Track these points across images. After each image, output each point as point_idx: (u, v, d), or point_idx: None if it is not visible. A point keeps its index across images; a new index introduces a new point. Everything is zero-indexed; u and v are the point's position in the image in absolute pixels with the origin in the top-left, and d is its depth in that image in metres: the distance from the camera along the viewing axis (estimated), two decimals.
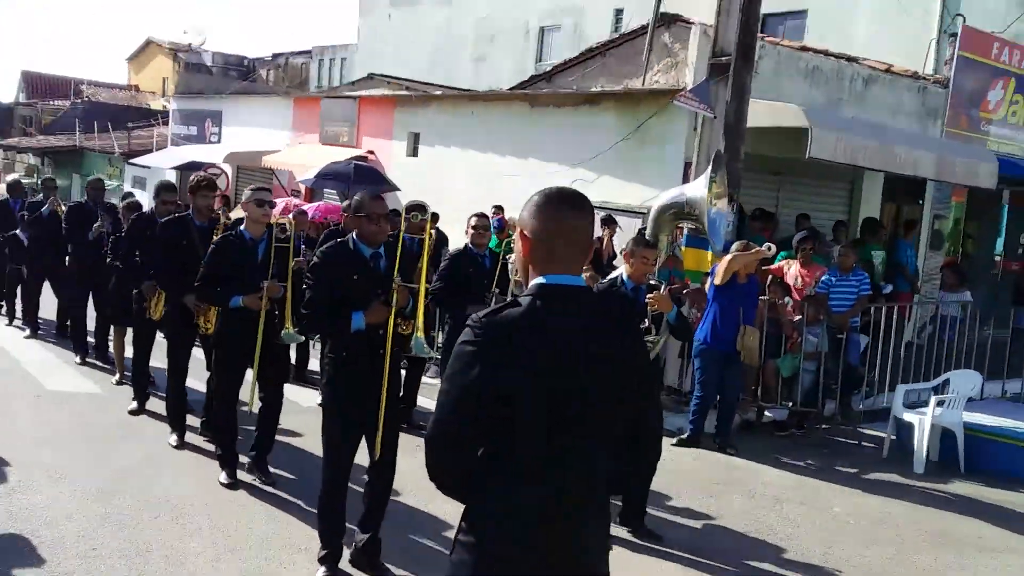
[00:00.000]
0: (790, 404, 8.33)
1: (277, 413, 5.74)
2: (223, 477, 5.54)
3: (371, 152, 15.21)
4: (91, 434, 6.31)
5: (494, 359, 2.16)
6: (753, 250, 7.18)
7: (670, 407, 8.33)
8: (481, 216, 6.65)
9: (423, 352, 5.23)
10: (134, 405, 7.06)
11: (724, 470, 7.00)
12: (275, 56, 35.65)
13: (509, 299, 5.69)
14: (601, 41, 14.66)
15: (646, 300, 5.02)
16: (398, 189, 12.57)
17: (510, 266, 6.43)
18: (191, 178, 7.09)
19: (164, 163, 20.42)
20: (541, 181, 11.89)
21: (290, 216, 8.07)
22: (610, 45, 13.61)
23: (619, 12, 22.23)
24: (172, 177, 18.77)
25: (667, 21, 11.42)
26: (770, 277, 8.51)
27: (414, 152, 14.26)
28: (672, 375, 8.72)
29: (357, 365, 4.29)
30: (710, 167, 5.32)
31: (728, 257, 7.30)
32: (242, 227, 5.57)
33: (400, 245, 4.41)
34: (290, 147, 17.20)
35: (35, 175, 32.89)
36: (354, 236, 4.47)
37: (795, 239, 8.74)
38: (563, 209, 2.32)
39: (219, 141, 20.26)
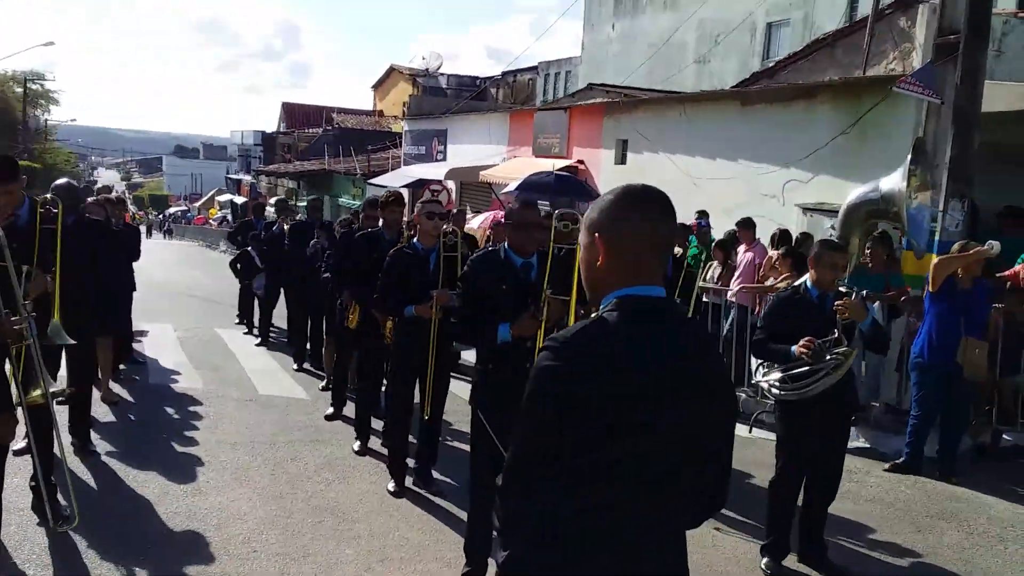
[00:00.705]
0: None
1: (439, 424, 5.77)
2: (391, 485, 5.58)
3: (580, 162, 15.13)
4: (284, 438, 6.61)
5: (576, 384, 1.82)
6: (972, 250, 6.24)
7: (887, 426, 7.46)
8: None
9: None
10: (330, 410, 7.34)
11: (942, 501, 6.10)
12: (504, 74, 36.72)
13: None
14: (829, 32, 13.69)
15: (834, 307, 4.45)
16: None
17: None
18: (382, 194, 7.30)
19: (395, 182, 21.56)
20: (752, 183, 11.25)
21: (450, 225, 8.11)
22: (838, 35, 12.65)
23: (852, 2, 20.73)
24: (404, 194, 19.79)
25: (904, 3, 10.39)
26: (1008, 284, 7.38)
27: (622, 159, 14.00)
28: (888, 390, 7.81)
29: (501, 375, 4.13)
30: (908, 156, 4.61)
31: (939, 259, 6.41)
32: (415, 239, 5.61)
33: (550, 255, 4.21)
34: (506, 161, 17.52)
35: (294, 197, 36.12)
36: (505, 245, 4.34)
37: None
38: (652, 211, 1.99)
39: (444, 159, 21.10)
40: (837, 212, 9.65)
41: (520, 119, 17.79)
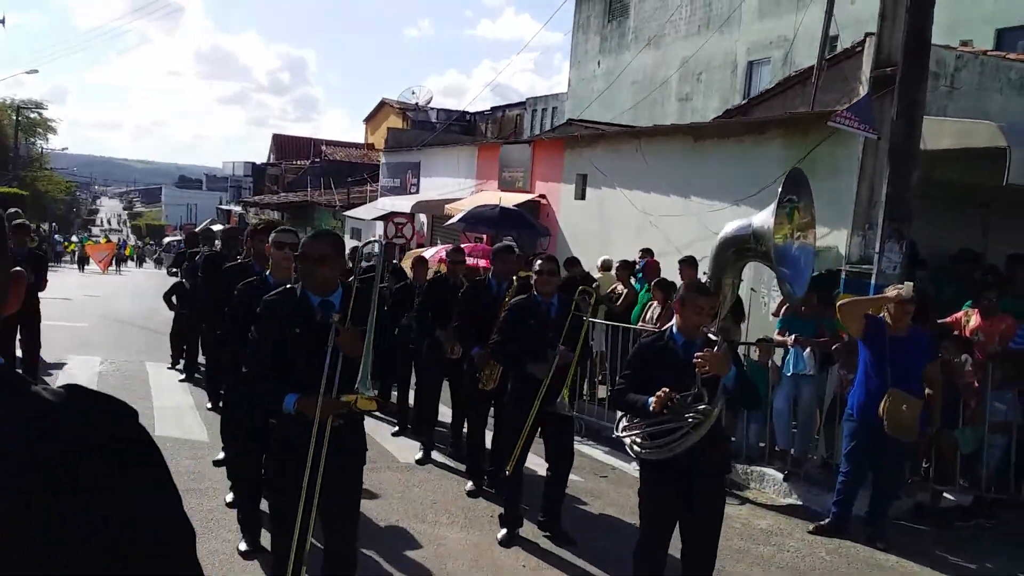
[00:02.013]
0: (976, 487, 6.63)
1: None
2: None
3: (542, 196, 14.74)
4: None
5: None
6: (888, 293, 5.79)
7: (821, 482, 6.93)
8: (548, 259, 5.81)
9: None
10: (469, 485, 6.70)
11: (863, 570, 5.56)
12: (493, 110, 36.59)
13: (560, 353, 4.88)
14: (802, 68, 13.38)
15: (694, 360, 3.95)
16: (546, 234, 11.94)
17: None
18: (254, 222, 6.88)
19: (368, 214, 21.20)
20: (704, 220, 10.80)
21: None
22: (808, 73, 12.31)
23: (833, 39, 20.49)
24: (378, 227, 19.34)
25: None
26: (951, 331, 6.90)
27: (582, 195, 13.61)
28: (826, 443, 7.28)
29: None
30: (779, 188, 4.15)
31: (842, 302, 5.93)
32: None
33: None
34: (473, 194, 17.15)
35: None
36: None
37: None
38: None
39: (417, 191, 20.75)
40: None
41: (487, 153, 17.46)
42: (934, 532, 6.45)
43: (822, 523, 6.22)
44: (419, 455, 7.49)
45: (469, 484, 6.65)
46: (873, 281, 6.99)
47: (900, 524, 6.50)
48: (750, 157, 10.00)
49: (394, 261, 9.73)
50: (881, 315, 5.95)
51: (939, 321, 7.02)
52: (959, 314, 6.94)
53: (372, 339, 3.46)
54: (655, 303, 9.04)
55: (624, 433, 4.30)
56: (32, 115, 52.57)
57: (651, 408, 3.97)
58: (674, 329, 4.23)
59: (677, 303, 4.23)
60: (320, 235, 3.69)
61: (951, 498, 6.85)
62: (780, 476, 7.18)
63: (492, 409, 6.73)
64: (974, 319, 6.88)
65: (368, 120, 43.82)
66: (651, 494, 4.22)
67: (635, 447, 4.22)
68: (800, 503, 6.96)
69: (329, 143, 39.15)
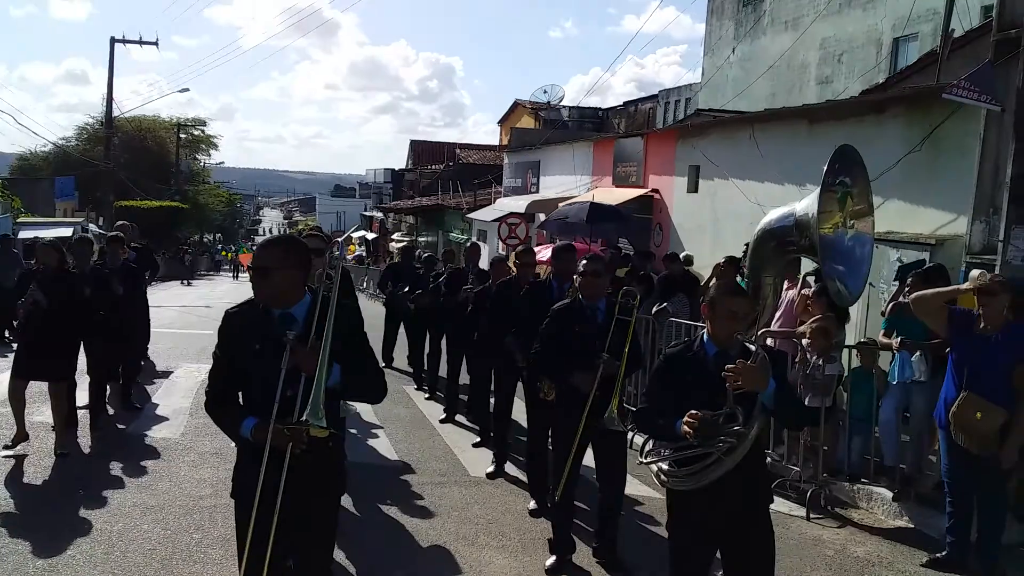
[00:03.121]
0: None
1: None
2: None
3: (655, 191, 14.04)
4: (206, 503, 5.99)
5: None
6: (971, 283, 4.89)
7: (938, 502, 6.01)
8: (593, 259, 5.22)
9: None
10: (532, 504, 6.35)
11: None
12: (626, 104, 35.79)
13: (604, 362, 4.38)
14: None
15: (723, 373, 3.33)
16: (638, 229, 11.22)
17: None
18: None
19: (487, 216, 21.05)
20: None
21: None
22: (955, 45, 11.10)
23: (988, 9, 18.67)
24: (495, 229, 19.16)
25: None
26: None
27: (695, 187, 12.83)
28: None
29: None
30: (824, 171, 3.45)
31: (913, 296, 5.07)
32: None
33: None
34: (588, 191, 16.62)
35: (413, 233, 36.44)
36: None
37: None
38: None
39: (537, 191, 20.41)
40: (907, 243, 8.23)
41: (602, 148, 16.87)
42: None
43: (938, 555, 5.36)
44: (491, 468, 7.11)
45: (532, 503, 6.20)
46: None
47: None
48: (868, 139, 9.01)
49: (480, 265, 9.36)
50: (975, 309, 5.05)
51: None
52: None
53: (326, 359, 3.07)
54: None
55: (648, 459, 3.73)
56: (195, 132, 56.10)
57: (682, 432, 3.39)
58: (705, 337, 3.63)
59: (706, 306, 3.62)
60: (268, 243, 3.32)
61: None
62: (889, 495, 6.32)
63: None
64: None
65: (502, 122, 43.91)
66: (680, 530, 3.64)
67: (662, 476, 3.65)
68: (912, 526, 6.10)
69: (463, 146, 39.48)
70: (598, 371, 4.87)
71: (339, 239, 3.45)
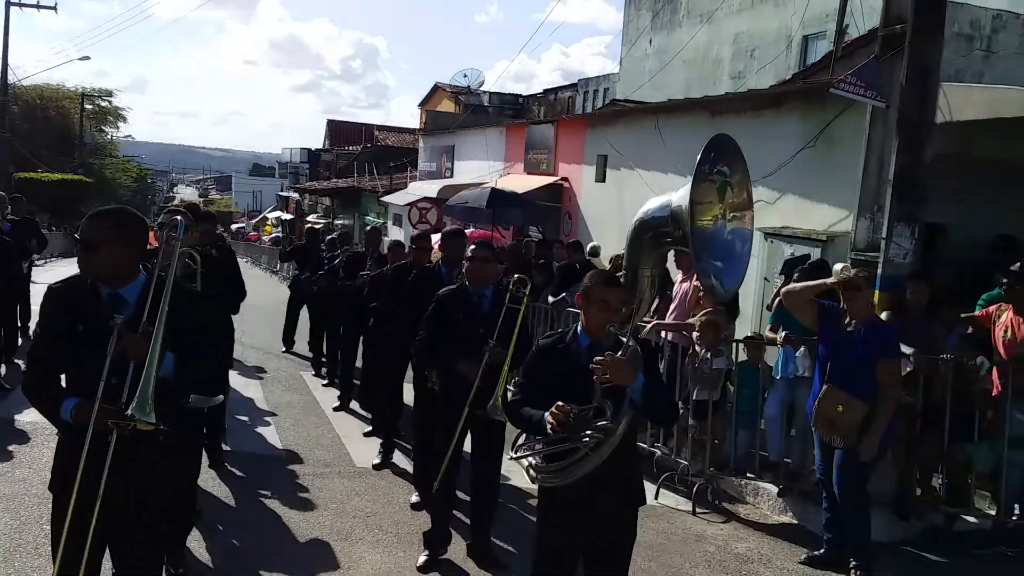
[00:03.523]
0: (994, 511, 5.72)
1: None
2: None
3: (565, 179, 13.99)
4: None
5: None
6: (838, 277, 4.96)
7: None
8: (481, 245, 5.09)
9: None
10: (414, 497, 6.12)
11: None
12: (546, 92, 35.75)
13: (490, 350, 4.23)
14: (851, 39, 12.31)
15: (590, 366, 3.22)
16: (539, 220, 11.16)
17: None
18: None
19: (400, 200, 20.73)
20: None
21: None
22: (860, 43, 11.28)
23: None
24: (407, 214, 18.84)
25: None
26: (968, 328, 5.95)
27: (602, 177, 12.80)
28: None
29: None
30: (698, 159, 3.37)
31: (786, 288, 5.13)
32: None
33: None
34: (500, 177, 16.48)
35: (330, 215, 35.74)
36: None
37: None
38: None
39: (452, 175, 20.18)
40: (801, 238, 8.33)
41: (515, 134, 16.74)
42: (948, 561, 5.58)
43: (816, 553, 5.39)
44: (377, 459, 6.92)
45: (415, 496, 6.03)
46: (880, 271, 6.10)
47: (909, 551, 5.65)
48: (767, 133, 9.10)
49: (381, 250, 9.13)
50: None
51: (964, 316, 6.07)
52: (990, 308, 5.96)
53: (158, 348, 2.83)
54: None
55: (519, 454, 3.59)
56: (102, 103, 53.75)
57: (547, 425, 3.26)
58: (579, 328, 3.51)
59: (579, 296, 3.50)
60: (99, 213, 3.05)
61: (972, 520, 5.94)
62: (775, 490, 6.37)
63: None
64: (1006, 315, 5.89)
65: (423, 104, 43.36)
66: (547, 531, 3.52)
67: (531, 471, 3.52)
68: (796, 522, 6.16)
69: (381, 128, 38.85)
70: (483, 359, 4.74)
71: (178, 217, 3.18)
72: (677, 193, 3.45)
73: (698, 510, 6.28)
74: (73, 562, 2.88)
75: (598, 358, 3.20)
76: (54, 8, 30.67)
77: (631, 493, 3.49)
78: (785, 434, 6.47)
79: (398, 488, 6.34)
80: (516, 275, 5.15)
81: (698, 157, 3.34)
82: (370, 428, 7.89)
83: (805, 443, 6.42)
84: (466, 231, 11.40)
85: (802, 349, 6.18)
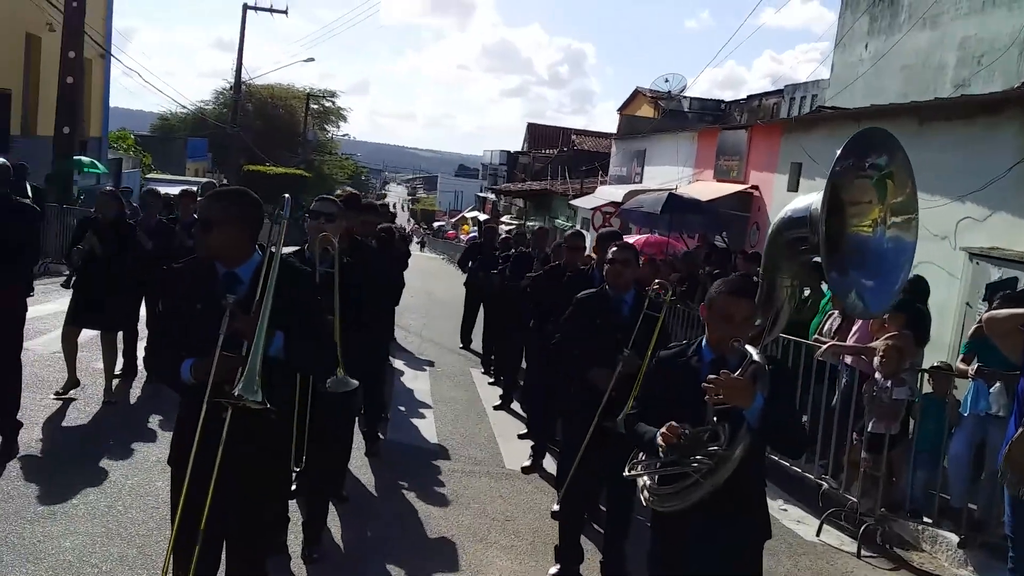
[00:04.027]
0: None
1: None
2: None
3: (755, 187, 13.35)
4: None
5: None
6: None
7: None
8: (623, 248, 4.81)
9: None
10: (556, 506, 5.85)
11: None
12: (749, 98, 34.51)
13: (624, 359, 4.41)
14: None
15: (703, 385, 2.93)
16: (718, 230, 10.63)
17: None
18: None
19: (587, 204, 20.66)
20: (923, 219, 9.18)
21: None
22: None
23: None
24: (591, 217, 18.75)
25: None
26: None
27: (795, 186, 12.09)
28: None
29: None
30: (839, 154, 2.95)
31: (986, 316, 4.43)
32: None
33: None
34: (689, 184, 16.01)
35: (522, 217, 36.31)
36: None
37: None
38: None
39: (641, 180, 19.86)
40: (1014, 260, 7.45)
41: (707, 140, 16.19)
42: None
43: None
44: (527, 462, 6.83)
45: (556, 504, 5.88)
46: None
47: None
48: (979, 143, 8.20)
49: (548, 250, 9.06)
50: None
51: None
52: None
53: (264, 326, 2.85)
54: (835, 312, 7.64)
55: (633, 472, 3.36)
56: (326, 103, 57.58)
57: (659, 445, 3.03)
58: (703, 342, 3.23)
59: (704, 307, 3.23)
60: (214, 194, 3.12)
61: None
62: (955, 540, 5.69)
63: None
64: None
65: (622, 110, 43.12)
66: (655, 563, 3.27)
67: (644, 492, 3.28)
68: None
69: (578, 132, 39.00)
70: (616, 368, 4.51)
71: (286, 195, 3.21)
72: (819, 194, 3.09)
73: (864, 553, 5.73)
74: (188, 539, 2.96)
75: (711, 376, 2.92)
76: (285, 12, 33.10)
77: (754, 525, 3.17)
78: (971, 477, 5.76)
79: (542, 494, 6.22)
80: (657, 280, 4.88)
81: (838, 152, 2.96)
82: (526, 430, 7.82)
83: (994, 489, 5.69)
84: (641, 236, 11.12)
85: (997, 385, 5.47)
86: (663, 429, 2.98)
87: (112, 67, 25.37)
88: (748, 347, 3.04)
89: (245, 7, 32.80)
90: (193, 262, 3.15)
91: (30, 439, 5.83)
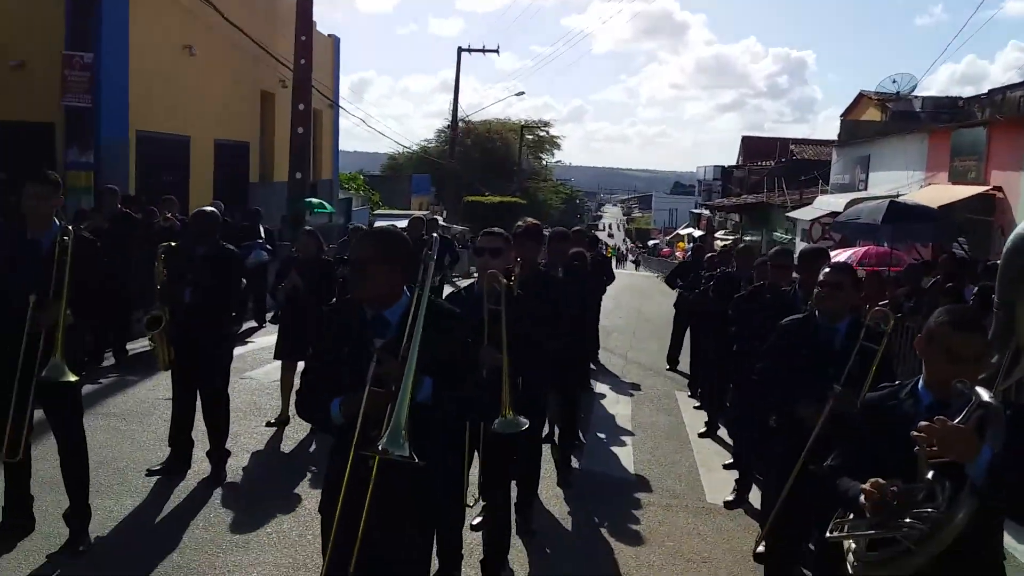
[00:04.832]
0: None
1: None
2: None
3: (997, 189, 11.94)
4: None
5: None
6: None
7: None
8: (836, 269, 4.22)
9: None
10: (761, 547, 5.93)
11: None
12: (990, 92, 31.24)
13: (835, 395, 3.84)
14: None
15: (912, 434, 2.41)
16: (954, 237, 9.45)
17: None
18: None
19: (805, 215, 19.47)
20: None
21: None
22: None
23: None
24: (809, 229, 17.63)
25: None
26: None
27: None
28: None
29: None
30: None
31: None
32: None
33: None
34: (920, 189, 14.63)
35: (738, 232, 35.05)
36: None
37: None
38: None
39: (865, 188, 18.45)
40: None
41: (938, 140, 14.75)
42: None
43: None
44: (730, 496, 6.35)
45: (762, 546, 5.37)
46: None
47: None
48: None
49: (725, 268, 8.49)
50: None
51: None
52: None
53: (411, 378, 2.70)
54: None
55: (835, 533, 2.88)
56: (540, 133, 59.14)
57: (861, 503, 2.59)
58: (920, 382, 2.74)
59: (921, 341, 2.72)
60: (365, 235, 3.08)
61: None
62: None
63: None
64: None
65: (845, 115, 40.59)
66: None
67: (850, 555, 2.80)
68: None
69: (796, 141, 37.13)
70: (827, 406, 3.99)
71: (435, 234, 3.07)
72: None
73: None
74: None
75: (922, 423, 2.44)
76: (496, 51, 34.56)
77: None
78: None
79: (745, 533, 5.72)
80: (877, 306, 4.29)
81: None
82: (731, 460, 7.31)
83: None
84: (860, 248, 10.21)
85: None
86: (866, 485, 2.53)
87: (344, 117, 27.26)
88: (978, 388, 2.51)
89: (460, 50, 34.56)
90: (344, 303, 3.10)
91: (238, 466, 6.14)
